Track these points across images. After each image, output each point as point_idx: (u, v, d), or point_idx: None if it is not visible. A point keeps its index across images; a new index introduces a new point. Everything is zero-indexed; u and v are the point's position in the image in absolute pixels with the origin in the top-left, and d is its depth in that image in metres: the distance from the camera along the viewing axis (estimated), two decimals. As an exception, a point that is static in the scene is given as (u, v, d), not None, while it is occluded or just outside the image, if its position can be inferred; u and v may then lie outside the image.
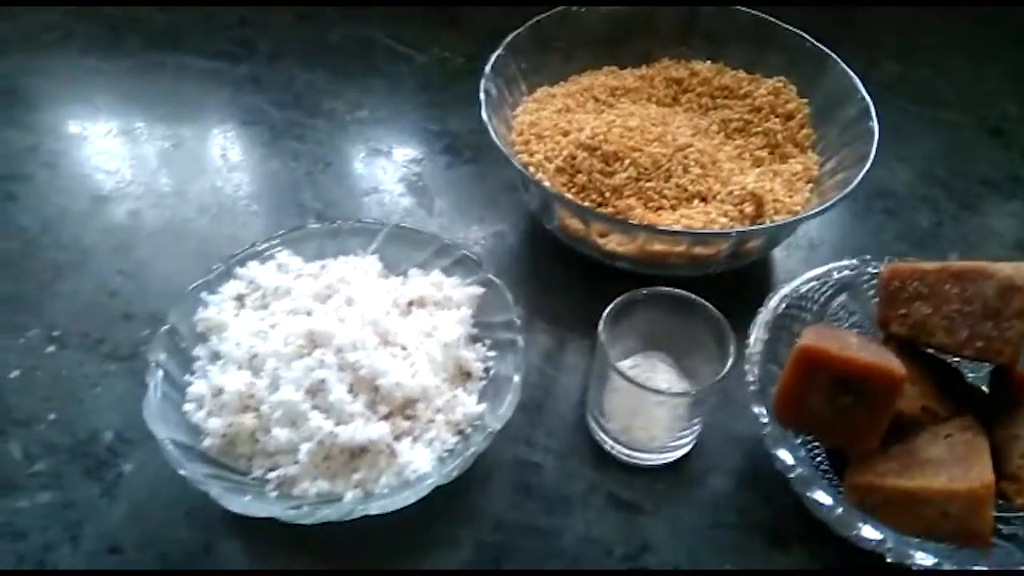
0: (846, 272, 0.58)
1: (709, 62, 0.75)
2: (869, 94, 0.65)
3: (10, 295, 0.64)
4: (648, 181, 0.62)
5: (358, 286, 0.56)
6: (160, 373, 0.51)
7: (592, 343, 0.62)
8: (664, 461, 0.55)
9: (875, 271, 0.57)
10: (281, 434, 0.49)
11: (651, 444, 0.54)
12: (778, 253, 0.70)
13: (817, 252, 0.71)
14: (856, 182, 0.57)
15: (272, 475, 0.49)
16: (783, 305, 0.54)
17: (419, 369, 0.52)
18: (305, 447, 0.48)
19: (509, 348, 0.55)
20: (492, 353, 0.56)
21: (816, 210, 0.57)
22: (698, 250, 0.59)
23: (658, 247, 0.59)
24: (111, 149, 0.78)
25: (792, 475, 0.47)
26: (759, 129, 0.69)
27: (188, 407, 0.51)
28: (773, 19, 0.72)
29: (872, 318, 0.56)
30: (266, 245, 0.59)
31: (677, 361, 0.56)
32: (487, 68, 0.65)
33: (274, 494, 0.48)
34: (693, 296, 0.52)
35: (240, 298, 0.57)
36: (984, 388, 0.55)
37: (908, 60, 0.92)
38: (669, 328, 0.54)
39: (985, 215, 0.76)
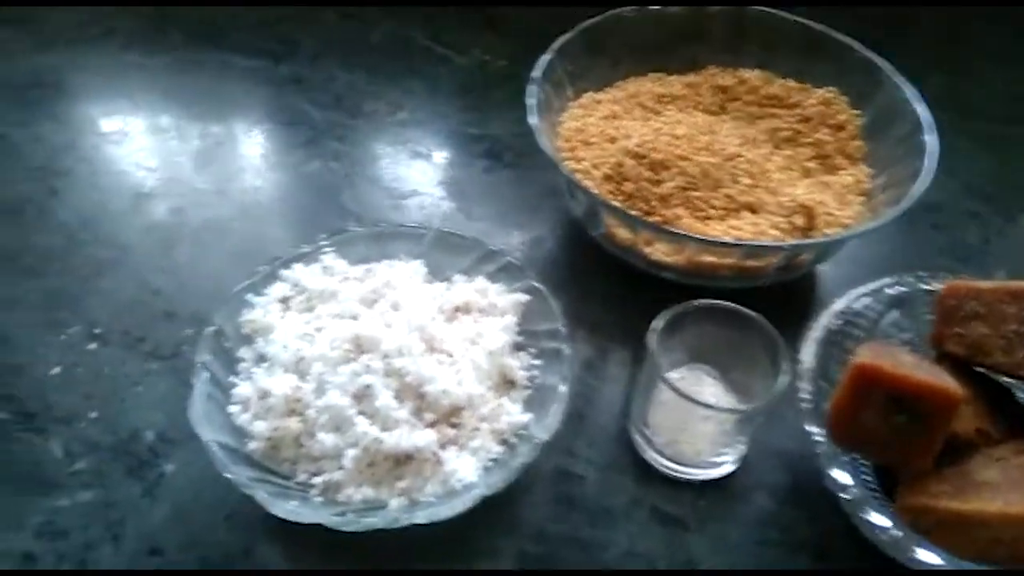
0: (899, 288, 0.56)
1: (757, 70, 0.74)
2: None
3: (51, 291, 0.64)
4: (696, 191, 0.61)
5: (404, 291, 0.56)
6: (206, 374, 0.51)
7: (633, 353, 0.61)
8: (709, 476, 0.54)
9: (928, 288, 0.56)
10: (327, 439, 0.48)
11: (697, 459, 0.53)
12: (820, 265, 0.69)
13: (860, 265, 0.69)
14: (917, 197, 0.56)
15: (317, 480, 0.48)
16: (838, 322, 0.53)
17: (465, 377, 0.52)
18: (351, 453, 0.48)
19: (554, 357, 0.54)
20: (536, 362, 0.55)
21: (874, 225, 0.56)
22: (749, 263, 0.58)
23: (708, 258, 0.58)
24: (151, 146, 0.78)
25: (847, 496, 0.46)
26: (809, 140, 0.68)
27: (233, 409, 0.51)
28: (823, 28, 0.71)
29: (924, 336, 0.55)
30: (311, 247, 0.59)
31: (723, 375, 0.56)
32: (537, 73, 0.64)
33: (319, 500, 0.48)
34: (748, 311, 0.51)
35: (285, 300, 0.56)
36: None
37: (955, 72, 0.91)
38: (718, 341, 0.53)
39: (1034, 232, 0.75)
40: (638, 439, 0.55)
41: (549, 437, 0.49)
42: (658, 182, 0.61)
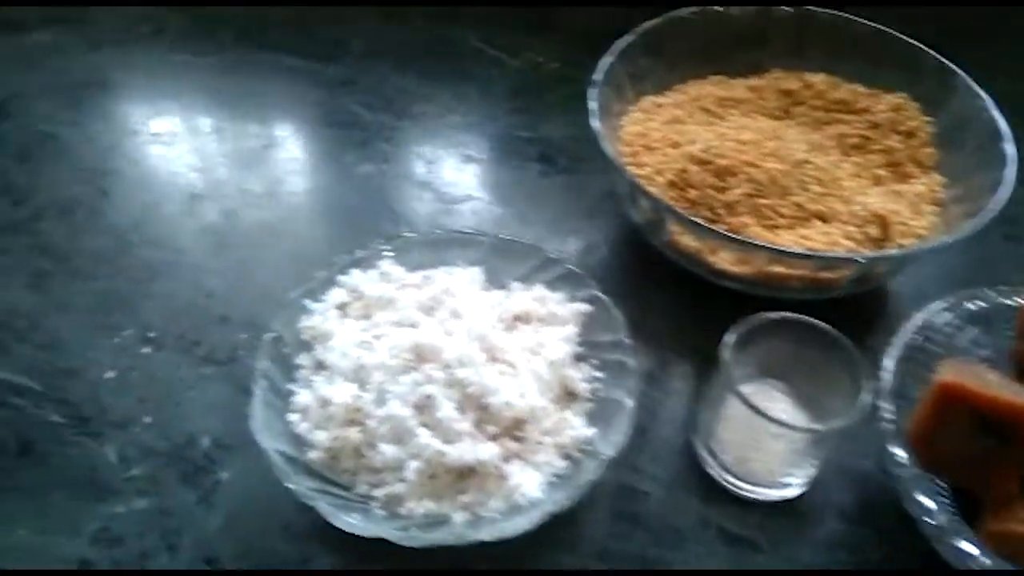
0: (978, 303, 0.54)
1: (822, 74, 0.71)
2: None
3: (104, 293, 0.64)
4: (763, 198, 0.59)
5: (463, 299, 0.55)
6: (265, 382, 0.50)
7: (695, 366, 0.60)
8: (779, 497, 0.52)
9: (1009, 303, 0.54)
10: (388, 450, 0.47)
11: (768, 478, 0.51)
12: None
13: (929, 277, 0.67)
14: (998, 209, 0.54)
15: (378, 492, 0.47)
16: (918, 337, 0.51)
17: (527, 388, 0.50)
18: (413, 465, 0.46)
19: (617, 369, 0.53)
20: (598, 374, 0.54)
21: (955, 237, 0.54)
22: (823, 274, 0.56)
23: (778, 269, 0.56)
24: (200, 146, 0.78)
25: (931, 520, 0.44)
26: (878, 146, 0.65)
27: (293, 417, 0.50)
28: (892, 31, 0.68)
29: (1003, 353, 0.53)
30: (367, 253, 0.58)
31: (793, 390, 0.53)
32: (599, 76, 0.63)
33: (381, 513, 0.46)
34: (825, 325, 0.49)
35: (343, 307, 0.55)
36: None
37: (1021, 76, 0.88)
38: (790, 356, 0.51)
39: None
40: (704, 456, 0.53)
41: (615, 453, 0.48)
42: (724, 189, 0.60)
